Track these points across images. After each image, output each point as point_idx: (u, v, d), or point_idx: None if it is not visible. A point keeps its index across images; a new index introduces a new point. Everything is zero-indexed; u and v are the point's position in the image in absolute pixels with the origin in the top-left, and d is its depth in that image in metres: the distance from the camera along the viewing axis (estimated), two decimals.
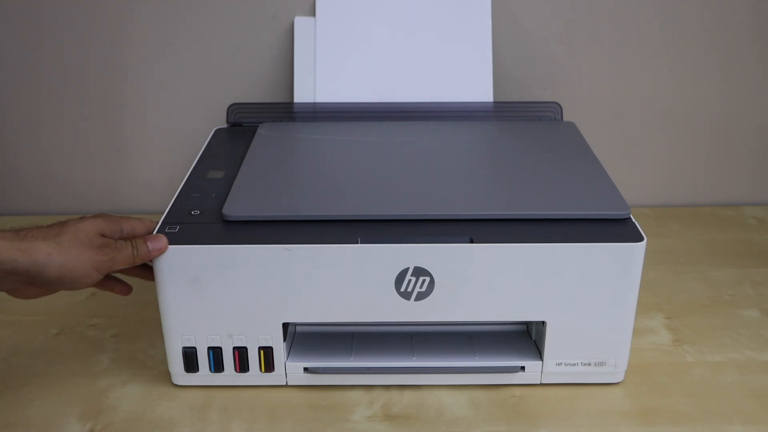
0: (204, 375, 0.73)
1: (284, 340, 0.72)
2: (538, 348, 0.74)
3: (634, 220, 0.69)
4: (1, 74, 1.05)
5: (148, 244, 0.66)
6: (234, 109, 0.96)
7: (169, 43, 1.04)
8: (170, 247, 0.66)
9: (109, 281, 0.71)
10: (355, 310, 0.69)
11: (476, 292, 0.68)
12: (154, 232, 0.68)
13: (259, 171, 0.78)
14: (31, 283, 0.63)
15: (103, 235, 0.65)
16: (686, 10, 1.03)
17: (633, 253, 0.67)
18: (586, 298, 0.68)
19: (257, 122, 0.93)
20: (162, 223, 0.70)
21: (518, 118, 0.95)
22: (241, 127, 0.95)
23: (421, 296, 0.68)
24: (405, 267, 0.67)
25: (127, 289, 0.72)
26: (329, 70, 0.97)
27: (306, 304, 0.69)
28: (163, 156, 1.11)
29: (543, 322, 0.71)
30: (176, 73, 1.06)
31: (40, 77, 1.05)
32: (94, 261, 0.63)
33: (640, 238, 0.67)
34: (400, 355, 0.74)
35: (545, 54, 1.05)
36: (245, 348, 0.71)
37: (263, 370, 0.72)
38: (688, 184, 1.14)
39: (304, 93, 0.97)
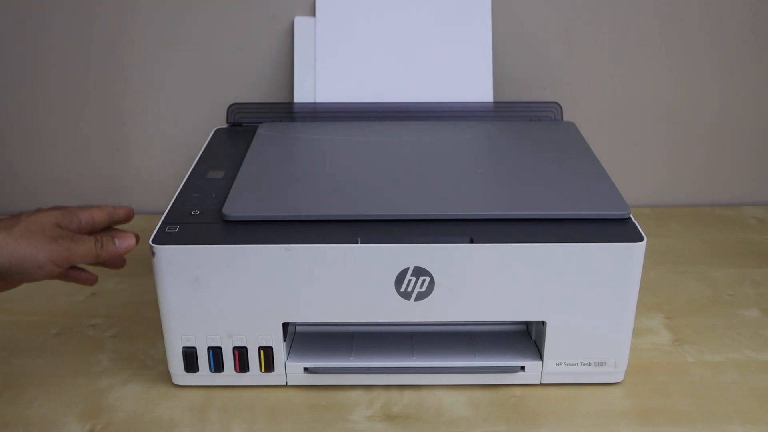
0: (204, 375, 0.73)
1: (284, 340, 0.72)
2: (538, 348, 0.74)
3: (634, 220, 0.69)
4: (1, 75, 1.05)
5: (116, 240, 0.65)
6: (234, 109, 0.96)
7: (169, 43, 1.04)
8: (170, 246, 0.66)
9: (73, 271, 0.70)
10: (355, 310, 0.69)
11: (476, 292, 0.68)
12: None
13: (259, 171, 0.78)
14: None
15: (60, 227, 0.64)
16: (686, 10, 1.03)
17: (633, 253, 0.67)
18: (586, 298, 0.68)
19: (257, 122, 0.93)
20: (162, 223, 0.70)
21: (518, 118, 0.95)
22: (241, 127, 0.95)
23: (421, 296, 0.68)
24: (405, 267, 0.67)
25: (93, 278, 0.71)
26: (329, 70, 0.97)
27: (306, 304, 0.69)
28: (163, 156, 1.11)
29: (543, 322, 0.71)
30: (176, 73, 1.06)
31: (39, 78, 1.05)
32: (48, 251, 0.62)
33: (640, 238, 0.67)
34: (400, 355, 0.74)
35: (545, 54, 1.05)
36: (245, 348, 0.71)
37: (263, 370, 0.72)
38: (688, 184, 1.14)
39: (304, 93, 0.97)
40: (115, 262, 0.72)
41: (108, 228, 0.71)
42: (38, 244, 0.61)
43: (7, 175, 1.12)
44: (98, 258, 0.65)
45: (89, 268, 0.71)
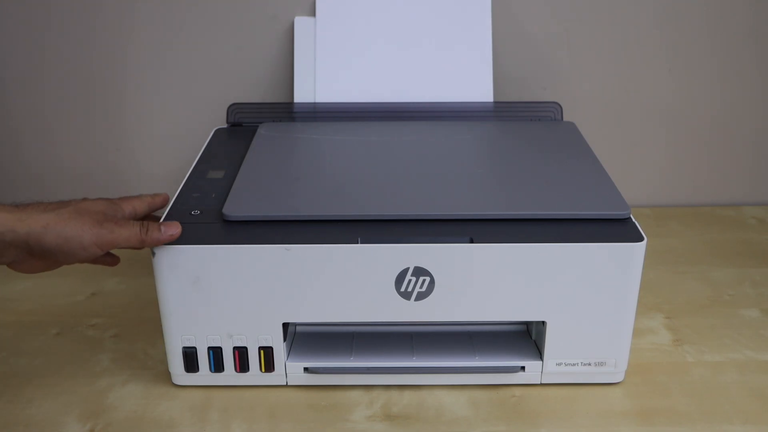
0: (204, 375, 0.73)
1: (284, 340, 0.72)
2: (538, 348, 0.74)
3: (634, 220, 0.69)
4: (4, 76, 1.05)
5: (162, 228, 0.66)
6: (234, 109, 0.96)
7: (169, 43, 1.04)
8: (170, 247, 0.66)
9: (104, 256, 0.71)
10: (355, 310, 0.69)
11: (476, 292, 0.68)
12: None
13: (259, 171, 0.78)
14: (31, 254, 0.64)
15: (105, 214, 0.66)
16: (686, 10, 1.03)
17: (633, 253, 0.67)
18: (586, 298, 0.68)
19: (257, 122, 0.93)
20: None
21: (518, 118, 0.95)
22: (241, 127, 0.95)
23: (421, 296, 0.68)
24: (405, 267, 0.67)
25: (115, 261, 0.73)
26: (329, 70, 0.97)
27: (306, 304, 0.69)
28: (163, 156, 1.11)
29: (543, 322, 0.71)
30: (176, 73, 1.06)
31: (41, 77, 1.05)
32: (93, 234, 0.63)
33: (640, 238, 0.67)
34: (400, 355, 0.74)
35: (545, 54, 1.05)
36: (245, 348, 0.71)
37: (263, 370, 0.72)
38: (688, 184, 1.14)
39: (304, 93, 0.97)
40: (111, 260, 0.73)
41: (146, 217, 0.72)
42: (84, 226, 0.63)
43: (19, 167, 1.12)
44: (143, 243, 0.66)
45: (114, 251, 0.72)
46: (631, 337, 0.71)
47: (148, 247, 0.67)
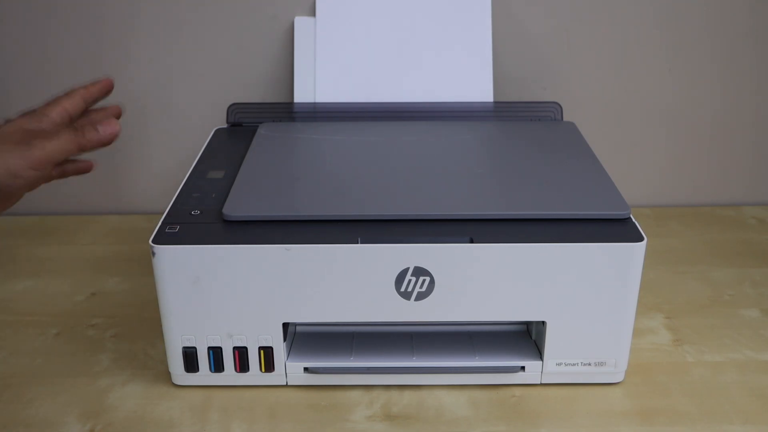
0: (204, 375, 0.73)
1: (284, 340, 0.72)
2: (538, 348, 0.74)
3: (634, 220, 0.69)
4: (5, 77, 1.05)
5: (99, 127, 0.60)
6: (234, 109, 0.96)
7: (169, 43, 1.04)
8: (170, 247, 0.66)
9: (66, 166, 0.65)
10: (355, 310, 0.69)
11: (476, 292, 0.68)
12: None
13: (259, 171, 0.78)
14: None
15: (28, 130, 0.59)
16: (686, 10, 1.03)
17: (633, 253, 0.67)
18: (586, 298, 0.69)
19: (257, 122, 0.93)
20: (162, 223, 0.70)
21: (518, 118, 0.95)
22: (241, 127, 0.95)
23: (421, 296, 0.68)
24: (405, 267, 0.67)
25: (89, 165, 0.67)
26: (329, 70, 0.97)
27: (306, 304, 0.69)
28: (163, 156, 1.11)
29: (543, 322, 0.71)
30: (177, 73, 1.06)
31: (42, 78, 1.05)
32: (20, 157, 0.56)
33: (640, 238, 0.67)
34: (400, 355, 0.74)
35: (545, 54, 1.05)
36: (245, 348, 0.71)
37: (263, 370, 0.72)
38: (688, 184, 1.14)
39: (304, 93, 0.97)
40: (82, 166, 0.66)
41: (93, 111, 0.66)
42: (4, 152, 0.56)
43: None
44: (83, 148, 0.60)
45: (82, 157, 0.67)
46: (631, 337, 0.71)
47: (89, 151, 0.60)
